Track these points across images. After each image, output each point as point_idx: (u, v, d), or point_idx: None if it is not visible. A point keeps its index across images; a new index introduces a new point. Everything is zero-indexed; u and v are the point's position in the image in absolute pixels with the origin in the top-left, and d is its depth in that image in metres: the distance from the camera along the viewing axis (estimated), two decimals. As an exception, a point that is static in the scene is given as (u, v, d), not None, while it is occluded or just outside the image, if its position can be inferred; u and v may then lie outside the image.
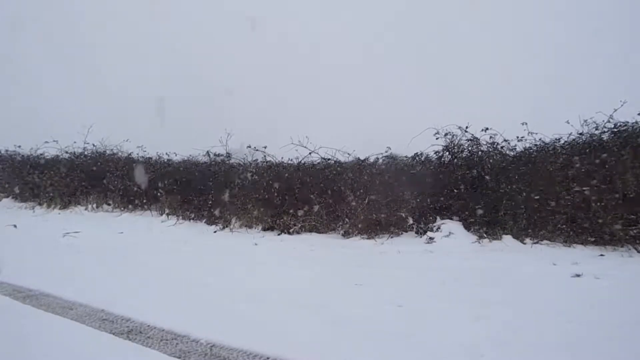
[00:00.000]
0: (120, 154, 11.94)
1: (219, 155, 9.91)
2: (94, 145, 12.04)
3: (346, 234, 7.83)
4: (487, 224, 7.05)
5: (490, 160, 7.50)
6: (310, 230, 8.25)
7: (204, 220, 9.34)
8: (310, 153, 8.79)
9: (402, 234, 7.66)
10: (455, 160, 7.82)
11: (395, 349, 3.06)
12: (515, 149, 7.55)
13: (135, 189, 10.81)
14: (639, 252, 5.90)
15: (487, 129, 7.60)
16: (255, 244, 7.40)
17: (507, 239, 6.75)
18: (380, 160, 8.49)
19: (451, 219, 7.38)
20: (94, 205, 11.19)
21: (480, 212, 7.13)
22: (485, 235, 6.91)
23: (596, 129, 6.88)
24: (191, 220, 9.55)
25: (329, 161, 8.67)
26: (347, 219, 7.91)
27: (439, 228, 7.17)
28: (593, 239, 6.33)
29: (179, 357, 3.02)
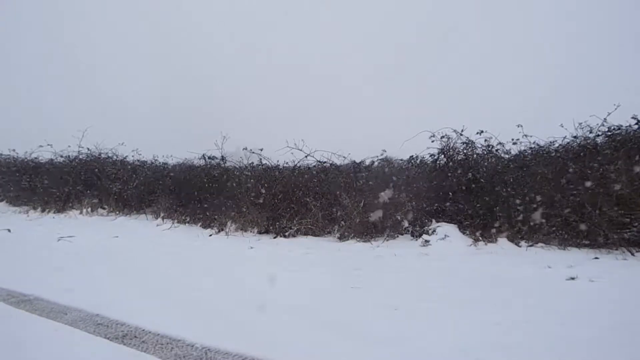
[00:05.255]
0: (115, 157, 11.91)
1: (214, 158, 9.89)
2: (88, 149, 12.01)
3: (342, 237, 7.83)
4: (483, 226, 7.07)
5: (485, 163, 7.53)
6: (306, 234, 8.24)
7: (200, 224, 9.32)
8: (306, 156, 8.80)
9: (397, 236, 7.67)
10: (451, 163, 7.84)
11: (392, 353, 3.06)
12: (510, 152, 7.59)
13: (131, 192, 10.78)
14: (633, 255, 5.93)
15: (482, 131, 7.64)
16: (251, 248, 7.38)
17: (503, 241, 6.78)
18: (376, 164, 8.50)
19: (447, 221, 7.39)
20: (89, 209, 11.14)
21: (475, 215, 7.15)
22: (480, 238, 6.92)
23: (590, 132, 6.92)
24: (187, 224, 9.53)
25: (325, 164, 8.68)
26: (342, 222, 7.91)
27: (434, 231, 7.18)
28: (587, 242, 6.36)
29: (174, 362, 3.01)
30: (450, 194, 7.51)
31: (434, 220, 7.52)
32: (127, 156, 11.86)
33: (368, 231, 7.69)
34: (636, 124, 6.55)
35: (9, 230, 8.59)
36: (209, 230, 8.90)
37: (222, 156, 9.84)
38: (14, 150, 12.99)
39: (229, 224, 8.78)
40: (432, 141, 7.91)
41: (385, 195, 7.69)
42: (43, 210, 11.44)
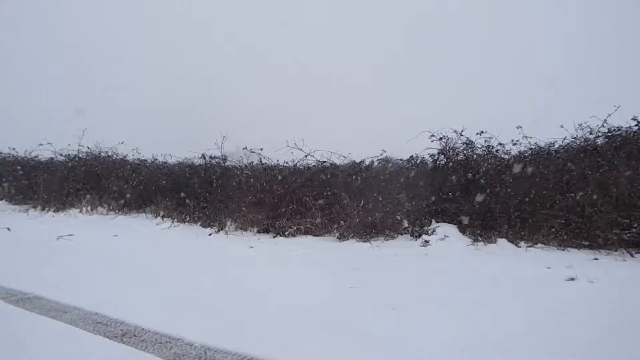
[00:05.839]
0: (115, 156, 11.90)
1: (214, 157, 9.89)
2: (88, 147, 12.00)
3: (341, 237, 7.83)
4: (482, 227, 7.07)
5: (485, 164, 7.53)
6: (306, 233, 8.23)
7: (199, 223, 9.31)
8: (306, 156, 8.80)
9: (397, 237, 7.67)
10: (451, 163, 7.85)
11: (392, 353, 3.06)
12: (510, 152, 7.59)
13: (130, 191, 10.77)
14: (632, 256, 5.93)
15: (482, 132, 7.64)
16: (251, 247, 7.38)
17: (502, 242, 6.78)
18: (376, 163, 8.51)
19: (446, 222, 7.39)
20: (89, 208, 11.13)
21: (475, 215, 7.15)
22: (480, 239, 6.92)
23: (590, 134, 6.93)
24: (186, 223, 9.52)
25: (325, 164, 8.67)
26: (342, 222, 7.91)
27: (434, 231, 7.19)
28: (587, 243, 6.37)
29: (173, 361, 3.01)
30: (450, 194, 7.52)
31: (433, 221, 7.52)
32: (126, 155, 11.85)
33: (368, 231, 7.69)
34: (636, 125, 6.56)
35: (9, 229, 8.59)
36: (208, 230, 8.90)
37: (223, 155, 9.84)
38: (13, 148, 12.99)
39: (228, 223, 8.78)
40: (432, 141, 7.91)
41: (384, 195, 7.69)
42: (43, 209, 11.43)
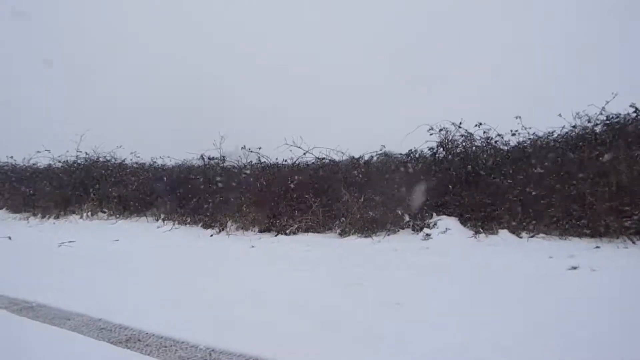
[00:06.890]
0: (113, 160, 11.87)
1: (213, 158, 9.87)
2: (86, 153, 11.95)
3: (343, 233, 7.83)
4: (483, 219, 7.06)
5: (485, 155, 7.52)
6: (307, 231, 8.23)
7: (200, 224, 9.30)
8: (304, 153, 8.77)
9: (398, 231, 7.65)
10: (450, 156, 7.83)
11: (392, 353, 3.05)
12: (509, 143, 7.57)
13: (130, 195, 10.76)
14: (634, 243, 5.92)
15: (480, 124, 7.61)
16: (252, 247, 7.38)
17: (503, 233, 6.77)
18: (375, 158, 8.49)
19: (447, 215, 7.38)
20: (89, 213, 11.12)
21: (476, 207, 7.13)
22: (481, 231, 6.91)
23: (589, 122, 6.90)
24: (187, 225, 9.51)
25: (324, 161, 8.66)
26: (343, 218, 7.91)
27: (435, 224, 7.18)
28: (588, 231, 6.35)
29: (178, 364, 3.01)
30: (451, 187, 7.50)
31: (434, 214, 7.51)
32: (125, 159, 11.81)
33: (369, 226, 7.67)
34: (634, 112, 6.54)
35: (10, 238, 8.57)
36: (209, 231, 8.89)
37: (222, 156, 9.81)
38: (11, 157, 12.98)
39: (229, 223, 8.78)
40: (431, 134, 7.88)
41: (384, 190, 7.68)
42: (43, 217, 11.43)
